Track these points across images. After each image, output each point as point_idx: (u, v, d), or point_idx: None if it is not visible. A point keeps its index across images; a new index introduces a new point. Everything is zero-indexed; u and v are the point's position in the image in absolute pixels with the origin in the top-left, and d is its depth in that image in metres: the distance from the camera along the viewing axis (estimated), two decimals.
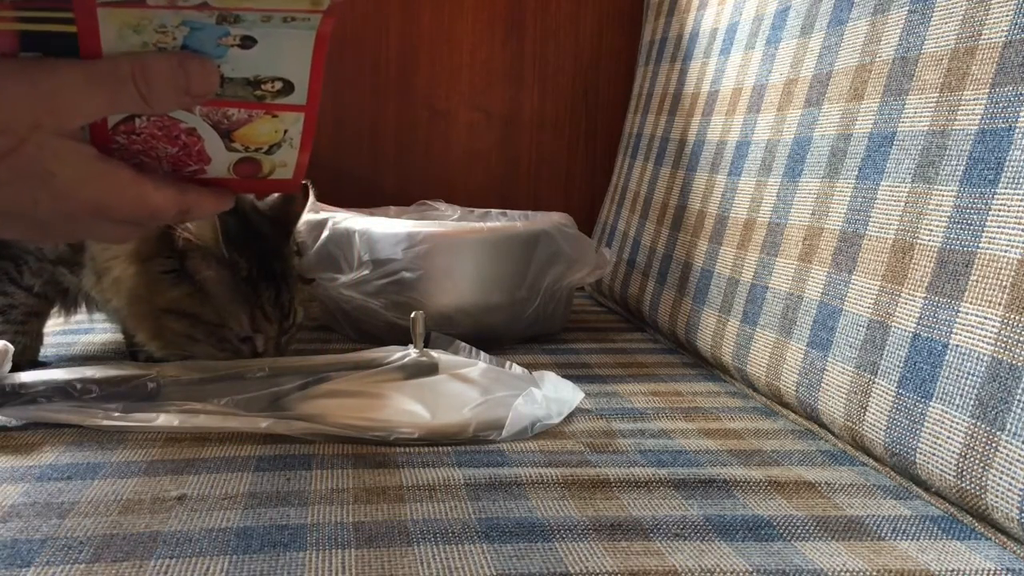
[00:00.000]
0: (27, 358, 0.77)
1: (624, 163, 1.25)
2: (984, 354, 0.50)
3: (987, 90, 0.54)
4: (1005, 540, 0.50)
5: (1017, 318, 0.49)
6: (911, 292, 0.57)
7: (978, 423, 0.50)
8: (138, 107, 0.43)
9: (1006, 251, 0.50)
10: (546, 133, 1.41)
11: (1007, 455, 0.47)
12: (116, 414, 0.64)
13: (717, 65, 0.98)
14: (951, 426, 0.52)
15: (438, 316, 0.88)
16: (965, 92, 0.56)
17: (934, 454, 0.53)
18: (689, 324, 0.89)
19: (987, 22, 0.55)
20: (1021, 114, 0.51)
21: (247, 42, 0.43)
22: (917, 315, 0.56)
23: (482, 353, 0.80)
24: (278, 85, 0.45)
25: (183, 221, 0.52)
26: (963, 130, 0.56)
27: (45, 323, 0.82)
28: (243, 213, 0.75)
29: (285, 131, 0.47)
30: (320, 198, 0.85)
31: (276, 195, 0.79)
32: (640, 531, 0.50)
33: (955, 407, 0.51)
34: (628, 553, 0.47)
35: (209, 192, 0.49)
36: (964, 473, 0.50)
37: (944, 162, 0.57)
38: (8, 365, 0.66)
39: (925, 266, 0.56)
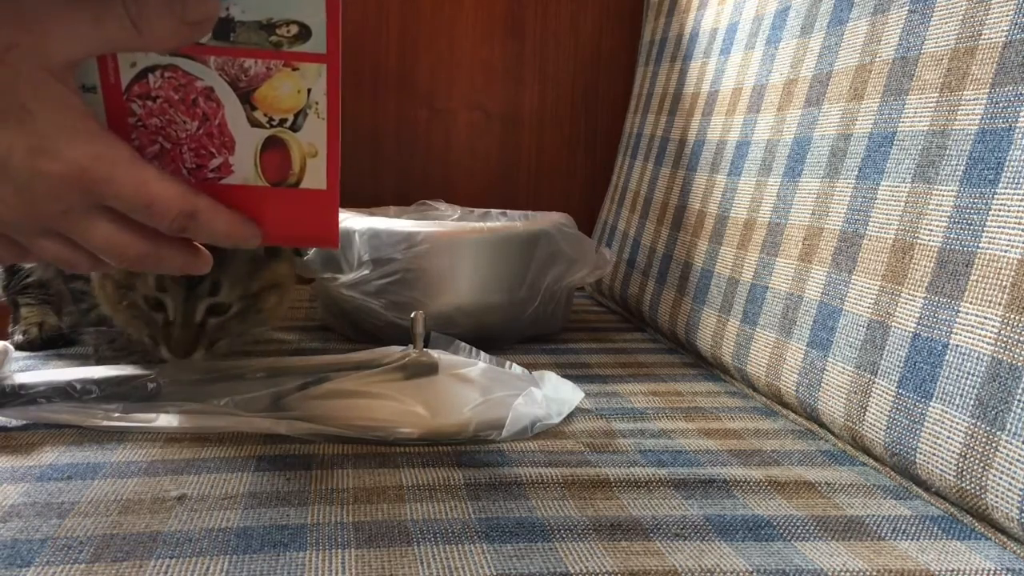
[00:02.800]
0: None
1: (624, 163, 1.25)
2: (984, 354, 0.50)
3: (987, 90, 0.54)
4: (1005, 540, 0.50)
5: (1017, 318, 0.49)
6: (911, 292, 0.57)
7: (978, 423, 0.50)
8: (129, 36, 0.40)
9: (1006, 251, 0.50)
10: (546, 133, 1.41)
11: (1007, 455, 0.47)
12: (116, 414, 0.64)
13: (717, 65, 0.98)
14: (951, 426, 0.52)
15: (438, 316, 0.88)
16: (965, 92, 0.56)
17: (934, 454, 0.53)
18: (689, 324, 0.89)
19: (987, 22, 0.55)
20: (1021, 114, 0.51)
21: None
22: (917, 315, 0.56)
23: (482, 353, 0.80)
24: (294, 29, 0.43)
25: (187, 229, 0.43)
26: (963, 130, 0.56)
27: None
28: None
29: (309, 91, 0.45)
30: None
31: None
32: (640, 531, 0.50)
33: (955, 407, 0.51)
34: (628, 553, 0.47)
35: (227, 209, 0.45)
36: (964, 473, 0.50)
37: (944, 162, 0.57)
38: (9, 365, 0.66)
39: (925, 266, 0.56)
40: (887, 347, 0.58)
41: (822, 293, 0.67)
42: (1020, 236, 0.50)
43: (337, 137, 0.46)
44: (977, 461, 0.49)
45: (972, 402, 0.50)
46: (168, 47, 0.42)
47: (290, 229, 0.48)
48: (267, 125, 0.46)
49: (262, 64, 0.44)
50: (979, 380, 0.50)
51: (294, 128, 0.46)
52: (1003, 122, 0.53)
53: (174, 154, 0.46)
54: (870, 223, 0.63)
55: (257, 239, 0.47)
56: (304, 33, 0.43)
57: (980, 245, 0.52)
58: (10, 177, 0.40)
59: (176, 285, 0.69)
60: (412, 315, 0.74)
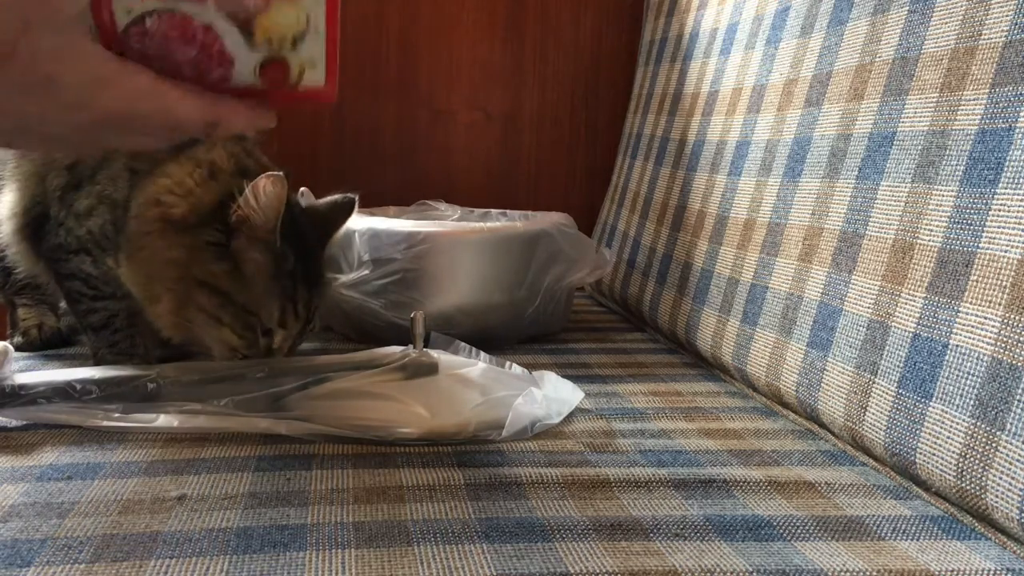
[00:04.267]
0: (159, 353, 0.78)
1: (624, 163, 1.25)
2: (984, 354, 0.50)
3: (987, 90, 0.54)
4: (1005, 540, 0.50)
5: (1017, 318, 0.49)
6: (911, 292, 0.57)
7: (978, 423, 0.50)
8: None
9: (1006, 251, 0.50)
10: (546, 133, 1.41)
11: (1007, 455, 0.47)
12: (116, 415, 0.64)
13: (717, 65, 0.98)
14: (951, 426, 0.52)
15: (438, 316, 0.88)
16: (965, 92, 0.56)
17: (934, 454, 0.53)
18: (689, 324, 0.89)
19: (987, 22, 0.55)
20: (1021, 114, 0.51)
21: None
22: (917, 315, 0.56)
23: (482, 353, 0.80)
24: None
25: (211, 133, 0.47)
26: (963, 130, 0.56)
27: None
28: (291, 209, 0.73)
29: (308, 17, 0.45)
30: (319, 198, 0.84)
31: (325, 200, 0.76)
32: (640, 531, 0.50)
33: (955, 407, 0.51)
34: (628, 553, 0.47)
35: (244, 104, 0.46)
36: (964, 473, 0.50)
37: (944, 162, 0.57)
38: (9, 365, 0.66)
39: (925, 266, 0.56)
40: (887, 347, 0.58)
41: (822, 293, 0.67)
42: (1020, 236, 0.50)
43: (336, 43, 0.46)
44: (977, 461, 0.49)
45: (972, 402, 0.50)
46: None
47: (290, 106, 0.50)
48: (266, 49, 0.46)
49: None
50: (979, 380, 0.50)
51: (294, 49, 0.46)
52: (1003, 122, 0.53)
53: (173, 72, 0.45)
54: (870, 223, 0.63)
55: (272, 122, 0.49)
56: None
57: (980, 245, 0.52)
58: (50, 134, 0.44)
59: (296, 322, 0.72)
60: (412, 315, 0.74)
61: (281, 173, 0.66)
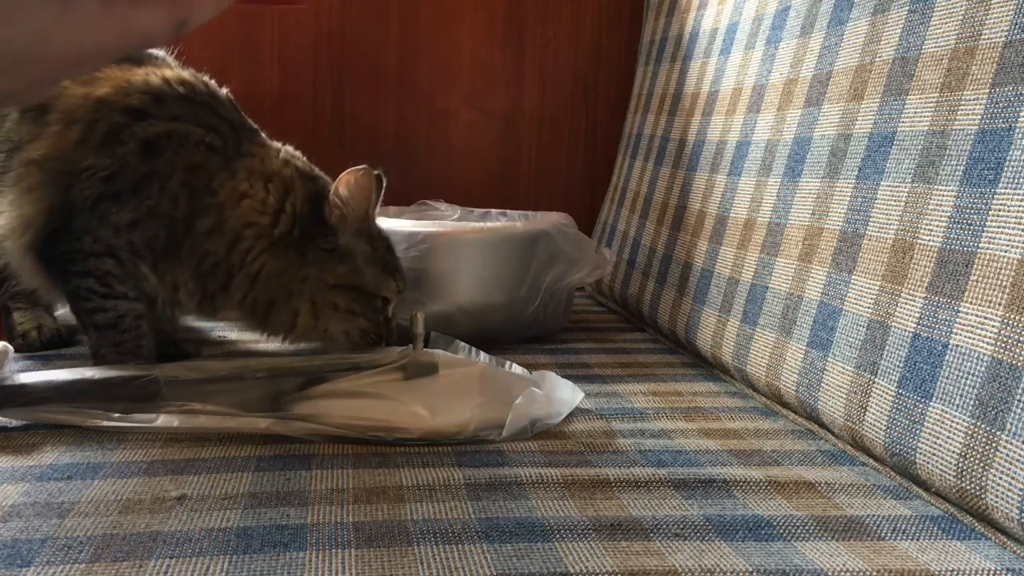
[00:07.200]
0: (157, 353, 0.79)
1: (624, 163, 1.25)
2: (984, 354, 0.50)
3: (987, 90, 0.54)
4: (1005, 540, 0.50)
5: (1017, 318, 0.49)
6: (911, 292, 0.57)
7: (978, 423, 0.50)
8: None
9: (1006, 251, 0.50)
10: (546, 133, 1.41)
11: (1007, 455, 0.47)
12: (116, 414, 0.64)
13: (717, 65, 0.98)
14: (951, 426, 0.52)
15: (438, 316, 0.88)
16: (965, 92, 0.56)
17: (934, 454, 0.53)
18: (689, 324, 0.89)
19: (987, 22, 0.55)
20: (1021, 114, 0.51)
21: None
22: (917, 315, 0.56)
23: (482, 353, 0.80)
24: None
25: (181, 34, 0.43)
26: (963, 130, 0.56)
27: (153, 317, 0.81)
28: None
29: None
30: None
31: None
32: (640, 531, 0.50)
33: (955, 407, 0.52)
34: (628, 553, 0.47)
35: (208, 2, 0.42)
36: (964, 473, 0.50)
37: (944, 162, 0.57)
38: (9, 365, 0.66)
39: (925, 266, 0.56)
40: (887, 347, 0.58)
41: (822, 293, 0.67)
42: (1020, 236, 0.50)
43: None
44: (977, 461, 0.49)
45: (972, 402, 0.50)
46: None
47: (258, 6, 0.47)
48: None
49: None
50: (979, 380, 0.50)
51: None
52: (1003, 122, 0.53)
53: None
54: (870, 223, 0.63)
55: None
56: None
57: (980, 245, 0.52)
58: None
59: (404, 284, 0.80)
60: (412, 315, 0.74)
61: (366, 167, 0.75)
